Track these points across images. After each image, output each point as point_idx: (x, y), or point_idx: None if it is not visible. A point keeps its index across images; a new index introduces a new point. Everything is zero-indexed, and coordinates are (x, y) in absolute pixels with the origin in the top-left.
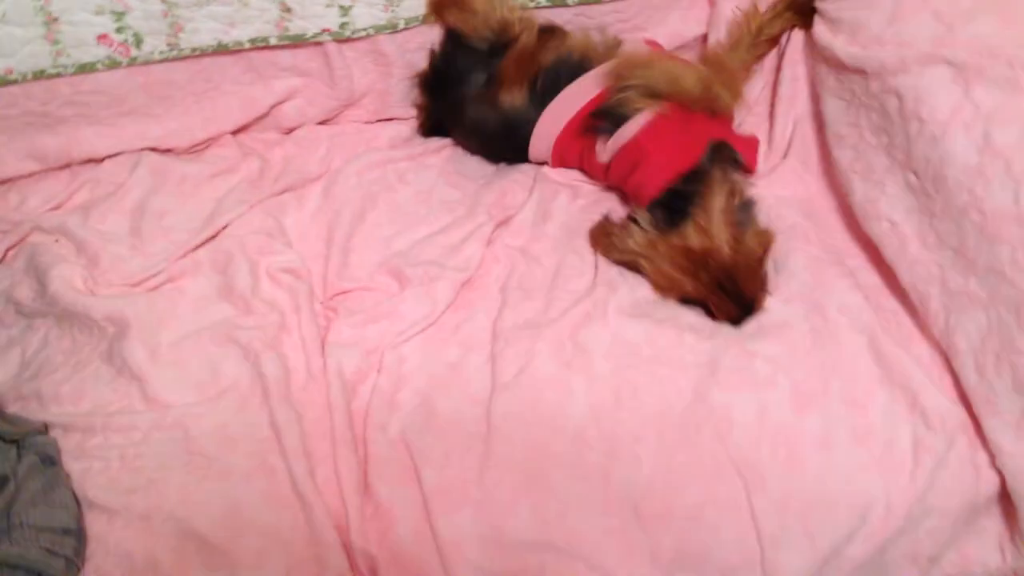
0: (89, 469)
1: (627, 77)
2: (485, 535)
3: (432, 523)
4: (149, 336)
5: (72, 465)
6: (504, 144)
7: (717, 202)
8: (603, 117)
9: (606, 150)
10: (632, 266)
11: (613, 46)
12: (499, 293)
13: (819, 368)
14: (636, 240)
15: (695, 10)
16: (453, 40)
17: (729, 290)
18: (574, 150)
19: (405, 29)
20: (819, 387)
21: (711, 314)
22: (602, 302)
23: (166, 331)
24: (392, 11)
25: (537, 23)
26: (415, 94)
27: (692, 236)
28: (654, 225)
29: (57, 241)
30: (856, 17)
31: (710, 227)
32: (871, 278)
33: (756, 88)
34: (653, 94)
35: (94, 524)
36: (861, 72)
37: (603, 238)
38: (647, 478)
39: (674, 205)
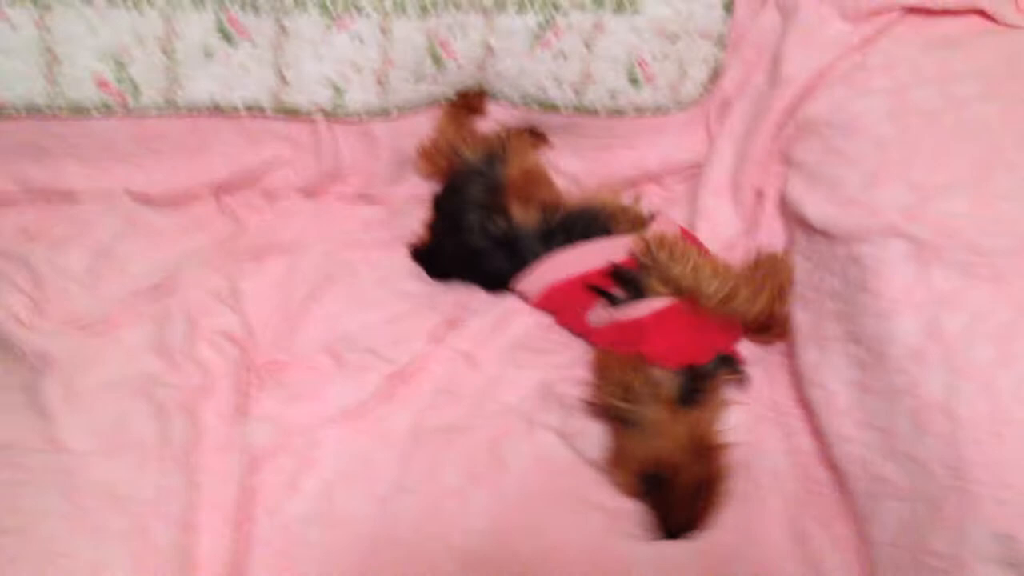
0: None
1: (656, 257)
2: None
3: None
4: (70, 378)
5: None
6: (491, 258)
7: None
8: (624, 285)
9: (602, 317)
10: (619, 417)
11: (641, 219)
12: (430, 393)
13: (732, 533)
14: (658, 397)
15: (688, 136)
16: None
17: (686, 502)
18: (565, 301)
19: (398, 117)
20: (729, 554)
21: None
22: (530, 417)
23: (89, 376)
24: (385, 97)
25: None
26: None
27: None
28: (675, 396)
29: (13, 274)
30: (836, 175)
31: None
32: (806, 442)
33: None
34: (675, 284)
35: None
36: (827, 235)
37: (614, 373)
38: None
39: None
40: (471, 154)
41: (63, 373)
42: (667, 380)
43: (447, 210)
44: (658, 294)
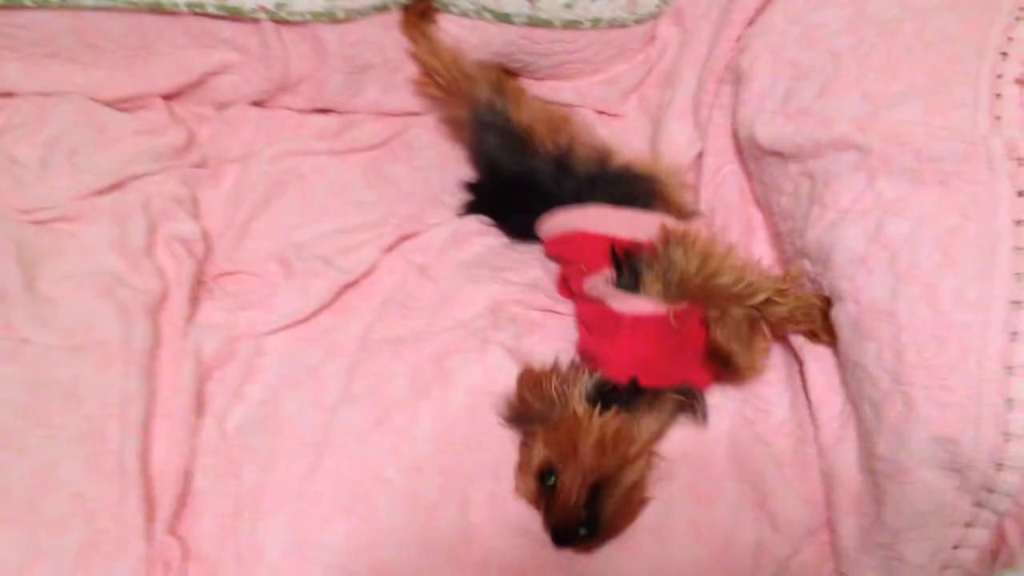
0: None
1: (669, 252)
2: (290, 548)
3: (238, 524)
4: (29, 269)
5: None
6: (548, 178)
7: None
8: (624, 268)
9: (597, 288)
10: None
11: (684, 211)
12: (380, 304)
13: (670, 451)
14: (570, 396)
15: (640, 57)
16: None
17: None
18: (578, 253)
19: (345, 20)
20: (666, 471)
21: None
22: (482, 334)
23: (48, 267)
24: (332, 0)
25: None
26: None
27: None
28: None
29: None
30: (789, 88)
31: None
32: None
33: None
34: (677, 287)
35: None
36: (779, 155)
37: (536, 378)
38: (475, 526)
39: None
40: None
41: (21, 263)
42: (581, 380)
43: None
44: (650, 294)
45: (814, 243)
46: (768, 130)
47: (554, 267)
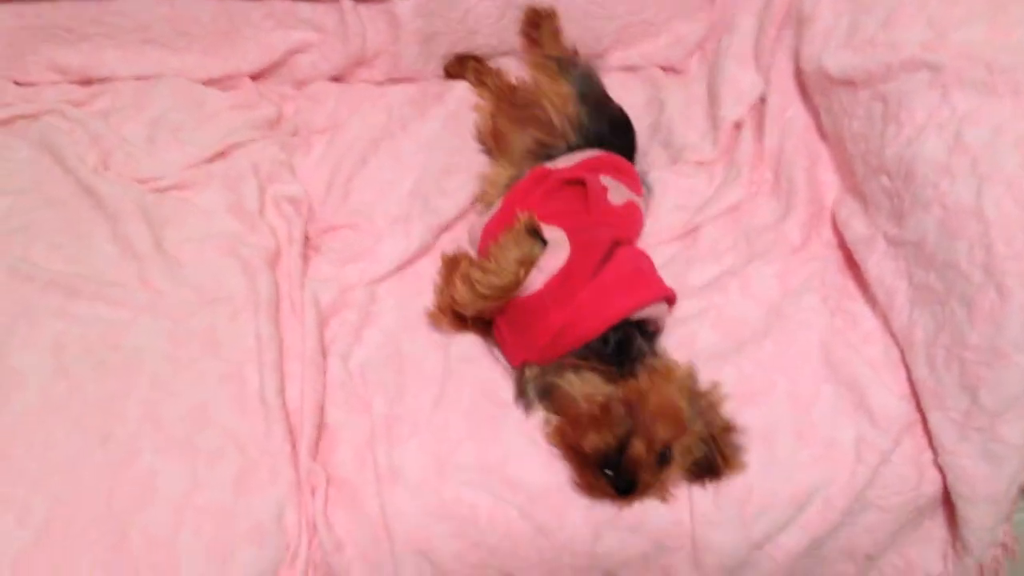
0: (66, 332)
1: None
2: (426, 465)
3: (374, 450)
4: (156, 230)
5: (49, 323)
6: None
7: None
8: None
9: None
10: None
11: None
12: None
13: (766, 364)
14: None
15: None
16: None
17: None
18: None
19: None
20: (765, 383)
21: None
22: None
23: (172, 230)
24: None
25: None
26: None
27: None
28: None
29: (71, 132)
30: (853, 22)
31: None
32: (836, 279)
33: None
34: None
35: None
36: (849, 83)
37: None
38: None
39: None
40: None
41: (147, 225)
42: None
43: None
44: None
45: (893, 159)
46: (836, 60)
47: None
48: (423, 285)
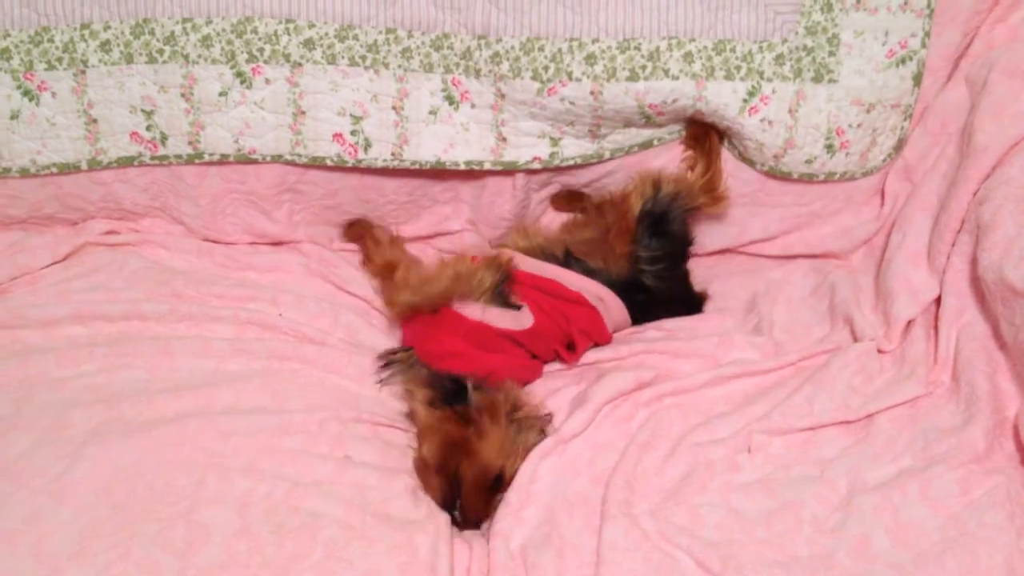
0: (252, 491)
1: None
2: None
3: None
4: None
5: (238, 480)
6: None
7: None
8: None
9: None
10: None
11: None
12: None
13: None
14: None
15: (865, 206)
16: None
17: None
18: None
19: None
20: None
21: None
22: None
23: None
24: (598, 142)
25: None
26: None
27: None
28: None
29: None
30: None
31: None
32: (1022, 495)
33: None
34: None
35: None
36: None
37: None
38: None
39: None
40: None
41: None
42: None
43: None
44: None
45: None
46: (1020, 273)
47: None
48: (578, 466)
